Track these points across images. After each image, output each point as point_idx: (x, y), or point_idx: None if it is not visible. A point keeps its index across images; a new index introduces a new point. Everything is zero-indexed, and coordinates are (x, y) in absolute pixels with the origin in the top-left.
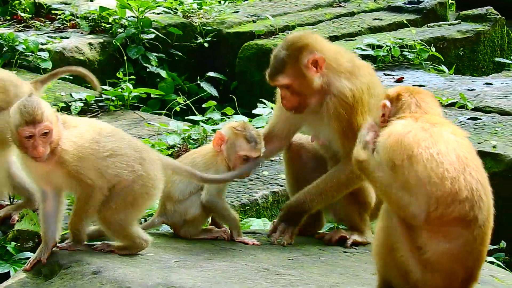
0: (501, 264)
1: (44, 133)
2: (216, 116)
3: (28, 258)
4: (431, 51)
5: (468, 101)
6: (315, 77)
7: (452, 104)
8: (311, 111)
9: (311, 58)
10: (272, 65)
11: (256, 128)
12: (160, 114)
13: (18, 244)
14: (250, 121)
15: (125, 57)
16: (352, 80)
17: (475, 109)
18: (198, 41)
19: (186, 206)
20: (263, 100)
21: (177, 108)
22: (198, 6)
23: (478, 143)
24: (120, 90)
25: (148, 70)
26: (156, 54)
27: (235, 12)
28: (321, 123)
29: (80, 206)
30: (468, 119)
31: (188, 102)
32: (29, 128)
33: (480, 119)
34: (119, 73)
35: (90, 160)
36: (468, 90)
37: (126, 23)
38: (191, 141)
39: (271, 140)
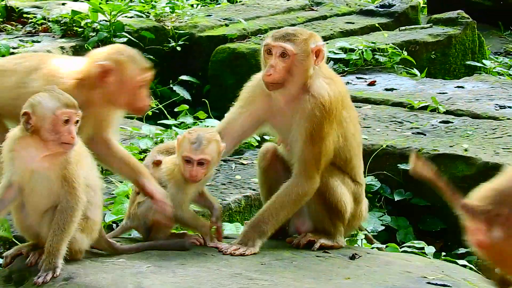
0: (473, 267)
1: (76, 121)
2: (189, 120)
3: None
4: (403, 54)
5: (439, 105)
6: (311, 66)
7: (424, 108)
8: (284, 107)
9: (317, 47)
10: (281, 31)
11: None
12: (132, 118)
13: None
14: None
15: None
16: (332, 86)
17: (447, 112)
18: (170, 45)
19: (142, 210)
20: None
21: (149, 112)
22: (171, 10)
23: (450, 146)
24: None
25: None
26: None
27: (207, 15)
28: (291, 122)
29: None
30: (440, 122)
31: (160, 106)
32: (70, 110)
33: (452, 122)
34: None
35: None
36: (440, 93)
37: (98, 27)
38: None
39: (223, 138)
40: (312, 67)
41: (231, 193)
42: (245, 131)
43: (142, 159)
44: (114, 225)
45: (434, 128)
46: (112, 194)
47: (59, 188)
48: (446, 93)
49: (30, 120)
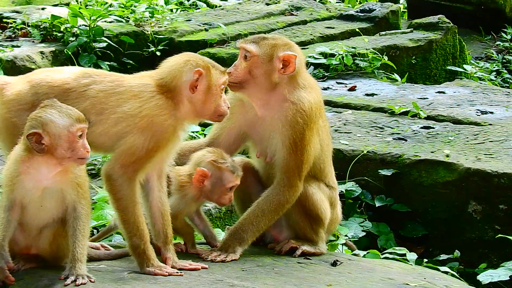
0: (455, 274)
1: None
2: None
3: None
4: (384, 59)
5: (420, 110)
6: (277, 73)
7: (405, 113)
8: (262, 117)
9: (285, 55)
10: (255, 35)
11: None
12: None
13: None
14: (203, 130)
15: (76, 66)
16: (312, 94)
17: (428, 117)
18: (150, 50)
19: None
20: None
21: None
22: (150, 15)
23: (431, 152)
24: None
25: None
26: (108, 63)
27: (187, 20)
28: (270, 131)
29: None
30: (421, 128)
31: None
32: (83, 125)
33: (433, 128)
34: None
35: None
36: (421, 98)
37: (78, 32)
38: None
39: None
40: (276, 74)
41: None
42: (230, 147)
43: None
44: (95, 230)
45: (415, 133)
46: (93, 199)
47: (70, 196)
48: (427, 98)
49: (42, 140)
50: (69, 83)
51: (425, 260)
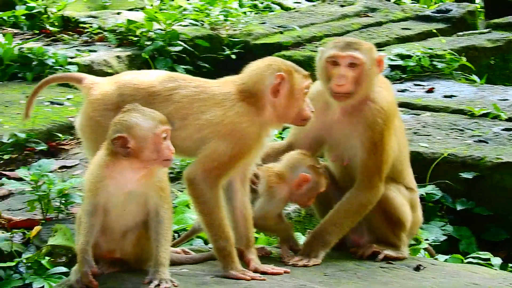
0: None
1: None
2: None
3: (62, 273)
4: (462, 60)
5: (501, 111)
6: (376, 75)
7: (485, 115)
8: (340, 120)
9: (380, 56)
10: (342, 41)
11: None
12: None
13: (52, 259)
14: (281, 133)
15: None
16: (388, 93)
17: (509, 119)
18: (225, 53)
19: None
20: None
21: None
22: (225, 18)
23: None
24: None
25: None
26: (184, 66)
27: (262, 23)
28: (349, 133)
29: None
30: (502, 130)
31: None
32: (166, 126)
33: None
34: None
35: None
36: (501, 100)
37: (154, 36)
38: None
39: None
40: (376, 77)
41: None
42: (307, 151)
43: None
44: (176, 234)
45: (496, 135)
46: (173, 203)
47: (153, 200)
48: (508, 99)
49: (127, 144)
50: (155, 86)
51: (510, 264)
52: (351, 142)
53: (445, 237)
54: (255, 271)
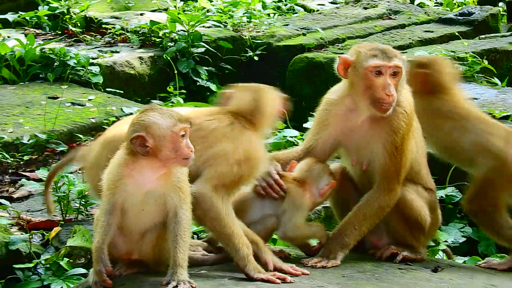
0: None
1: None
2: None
3: (80, 274)
4: (483, 63)
5: None
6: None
7: (506, 117)
8: (361, 126)
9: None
10: (380, 49)
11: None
12: None
13: (71, 260)
14: (302, 135)
15: (175, 71)
16: (409, 94)
17: None
18: (248, 55)
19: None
20: (314, 114)
21: None
22: (248, 20)
23: None
24: (170, 104)
25: (198, 83)
26: (206, 68)
27: (285, 25)
28: (369, 139)
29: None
30: None
31: None
32: (185, 124)
33: None
34: (169, 87)
35: None
36: None
37: (176, 37)
38: None
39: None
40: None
41: None
42: (324, 156)
43: None
44: (195, 236)
45: None
46: None
47: (172, 201)
48: None
49: (146, 143)
50: None
51: None
52: (372, 146)
53: (464, 239)
54: (276, 269)
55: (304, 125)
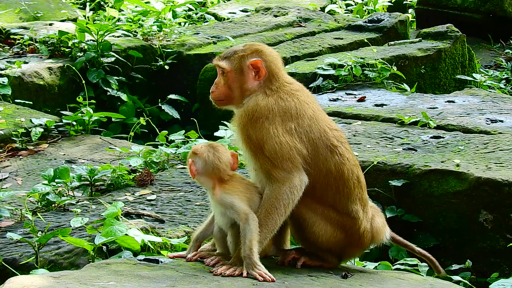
0: (468, 283)
1: None
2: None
3: None
4: (393, 69)
5: (430, 120)
6: (251, 80)
7: (415, 123)
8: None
9: (252, 61)
10: (226, 50)
11: None
12: (122, 138)
13: None
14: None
15: (83, 82)
16: (268, 99)
17: (438, 127)
18: (158, 64)
19: None
20: (225, 122)
21: (138, 131)
22: (158, 29)
23: (442, 161)
24: (80, 114)
25: (108, 93)
26: (117, 78)
27: (195, 33)
28: (237, 142)
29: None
30: (431, 137)
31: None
32: None
33: (443, 137)
34: (79, 98)
35: None
36: (430, 108)
37: (86, 47)
38: (153, 165)
39: None
40: (251, 82)
41: None
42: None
43: (132, 179)
44: (104, 247)
45: (425, 143)
46: (102, 216)
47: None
48: (437, 108)
49: None
50: None
51: None
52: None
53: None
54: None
55: (216, 134)
